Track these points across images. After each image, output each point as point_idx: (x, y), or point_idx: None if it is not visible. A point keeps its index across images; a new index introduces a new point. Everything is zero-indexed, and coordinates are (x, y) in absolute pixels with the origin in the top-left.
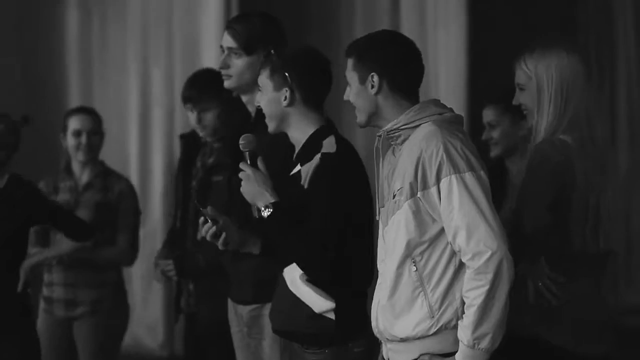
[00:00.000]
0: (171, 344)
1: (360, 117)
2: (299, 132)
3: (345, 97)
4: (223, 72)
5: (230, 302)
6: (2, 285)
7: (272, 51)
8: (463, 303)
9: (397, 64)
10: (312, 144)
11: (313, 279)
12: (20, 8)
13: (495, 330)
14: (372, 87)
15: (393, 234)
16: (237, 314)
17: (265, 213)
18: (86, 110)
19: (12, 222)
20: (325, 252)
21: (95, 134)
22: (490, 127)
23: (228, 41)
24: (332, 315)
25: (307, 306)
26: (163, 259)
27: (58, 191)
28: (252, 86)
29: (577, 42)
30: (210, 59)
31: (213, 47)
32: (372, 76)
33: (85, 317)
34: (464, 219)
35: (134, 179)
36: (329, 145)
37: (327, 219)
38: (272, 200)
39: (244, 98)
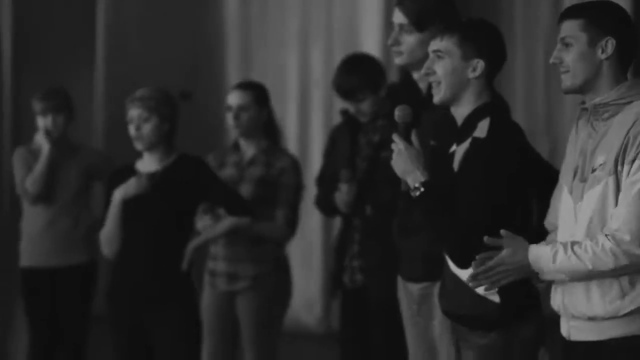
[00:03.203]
0: (328, 320)
1: (574, 81)
2: (468, 107)
3: (552, 60)
4: (394, 49)
5: (399, 279)
6: (169, 263)
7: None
8: None
9: (631, 35)
10: (469, 124)
11: (457, 264)
12: None
13: None
14: (603, 51)
15: (588, 209)
16: (407, 291)
17: (415, 192)
18: (240, 86)
19: (178, 199)
20: (470, 239)
21: (245, 110)
22: None
23: (399, 17)
24: (496, 297)
25: (471, 288)
26: None
27: (225, 166)
28: (424, 63)
29: None
30: (369, 39)
31: (373, 26)
32: (607, 40)
33: (247, 292)
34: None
35: None
36: (481, 128)
37: (474, 209)
38: (423, 180)
39: (415, 75)
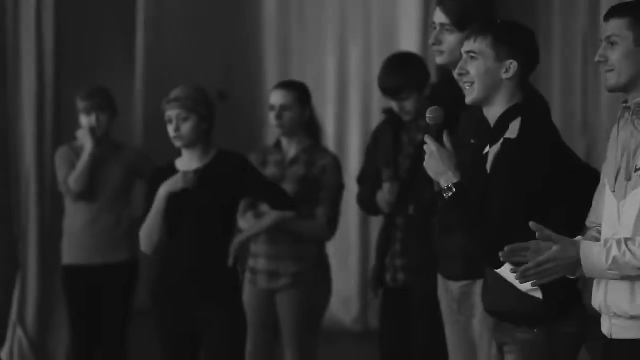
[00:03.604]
0: (365, 319)
1: (618, 80)
2: (501, 108)
3: (597, 58)
4: (435, 48)
5: (440, 278)
6: (215, 259)
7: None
8: None
9: None
10: (501, 125)
11: (490, 265)
12: None
13: None
14: None
15: (632, 208)
16: (448, 289)
17: (448, 193)
18: (283, 85)
19: (222, 195)
20: (502, 240)
21: (288, 109)
22: None
23: (440, 17)
24: (539, 294)
25: (513, 285)
26: None
27: (266, 165)
28: None
29: None
30: (407, 38)
31: (411, 26)
32: None
33: (287, 290)
34: None
35: None
36: (513, 129)
37: (505, 210)
38: (455, 181)
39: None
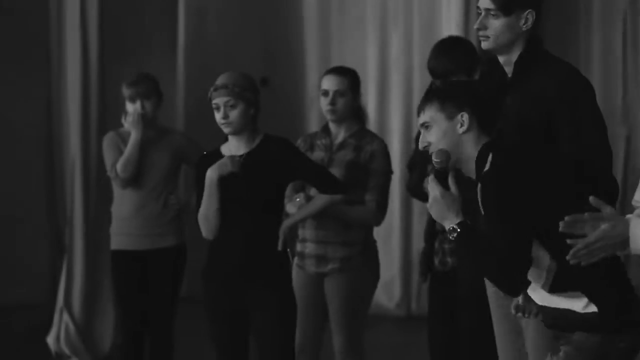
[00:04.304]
0: (408, 304)
1: None
2: (473, 153)
3: None
4: (480, 33)
5: None
6: (263, 243)
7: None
8: None
9: None
10: (479, 163)
11: (508, 294)
12: None
13: None
14: None
15: None
16: None
17: (452, 234)
18: (336, 71)
19: (270, 179)
20: (513, 269)
21: (341, 95)
22: None
23: (485, 2)
24: (593, 308)
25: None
26: None
27: (314, 149)
28: (510, 47)
29: None
30: (448, 23)
31: (452, 10)
32: None
33: (335, 274)
34: None
35: None
36: (488, 163)
37: (505, 236)
38: (457, 221)
39: (501, 59)
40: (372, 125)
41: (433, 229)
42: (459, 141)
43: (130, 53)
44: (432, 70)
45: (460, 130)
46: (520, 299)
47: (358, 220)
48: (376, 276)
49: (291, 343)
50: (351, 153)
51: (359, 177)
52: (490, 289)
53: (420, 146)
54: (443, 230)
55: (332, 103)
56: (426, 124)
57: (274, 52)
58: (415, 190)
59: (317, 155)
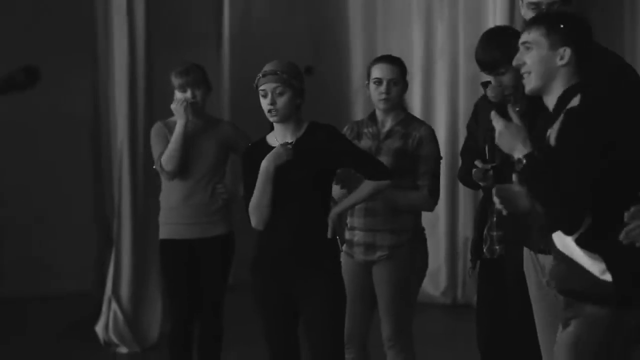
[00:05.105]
0: (453, 292)
1: None
2: (558, 93)
3: None
4: None
5: (527, 253)
6: (313, 230)
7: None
8: None
9: None
10: (560, 104)
11: (565, 232)
12: None
13: None
14: None
15: None
16: (537, 263)
17: (519, 165)
18: (389, 59)
19: (317, 166)
20: (575, 205)
21: (395, 83)
22: None
23: None
24: (608, 277)
25: (583, 267)
26: None
27: (361, 137)
28: None
29: None
30: (495, 13)
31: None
32: None
33: (383, 262)
34: None
35: None
36: (573, 102)
37: (575, 177)
38: (526, 152)
39: None
40: (418, 114)
41: (483, 217)
42: (553, 72)
43: (176, 43)
44: (480, 62)
45: (559, 63)
46: None
47: (411, 206)
48: (425, 264)
49: (341, 331)
50: (399, 141)
51: (407, 165)
52: (532, 279)
53: (514, 63)
54: (492, 217)
55: (387, 92)
56: (527, 44)
57: (319, 42)
58: (465, 179)
59: (365, 143)
